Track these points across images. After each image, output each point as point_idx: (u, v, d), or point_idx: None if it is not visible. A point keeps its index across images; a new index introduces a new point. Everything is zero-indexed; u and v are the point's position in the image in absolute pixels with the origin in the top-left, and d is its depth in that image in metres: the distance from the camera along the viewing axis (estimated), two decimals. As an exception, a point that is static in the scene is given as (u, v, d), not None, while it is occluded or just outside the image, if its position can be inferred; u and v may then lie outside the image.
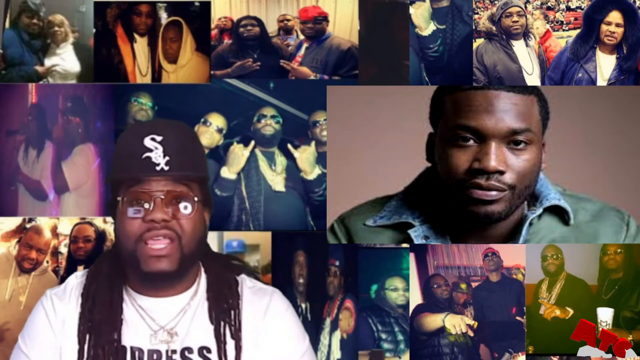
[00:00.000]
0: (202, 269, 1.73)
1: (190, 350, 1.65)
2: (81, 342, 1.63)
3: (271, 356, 1.68)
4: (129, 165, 1.58)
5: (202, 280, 1.71)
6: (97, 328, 1.63)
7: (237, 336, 1.66)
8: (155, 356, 1.64)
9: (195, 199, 1.60)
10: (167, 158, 1.56)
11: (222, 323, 1.66)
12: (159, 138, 1.57)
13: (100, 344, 1.61)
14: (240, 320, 1.68)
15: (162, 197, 1.56)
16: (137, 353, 1.63)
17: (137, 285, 1.67)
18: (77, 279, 1.72)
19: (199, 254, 1.67)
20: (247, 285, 1.74)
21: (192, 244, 1.60)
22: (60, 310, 1.67)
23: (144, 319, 1.65)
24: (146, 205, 1.56)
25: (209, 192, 1.68)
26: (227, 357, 1.64)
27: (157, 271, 1.57)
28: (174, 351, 1.64)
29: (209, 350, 1.65)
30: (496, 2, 2.76)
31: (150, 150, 1.57)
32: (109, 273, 1.68)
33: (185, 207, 1.59)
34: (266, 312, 1.70)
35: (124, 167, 1.59)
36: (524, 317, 2.62)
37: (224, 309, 1.67)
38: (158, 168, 1.57)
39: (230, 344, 1.65)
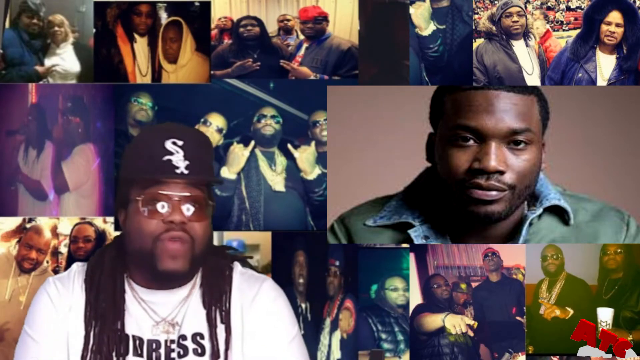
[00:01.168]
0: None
1: (184, 337, 1.69)
2: (87, 328, 1.67)
3: (258, 341, 1.71)
4: (148, 166, 1.62)
5: (200, 272, 1.75)
6: (102, 316, 1.67)
7: (226, 320, 1.70)
8: (154, 346, 1.68)
9: (209, 202, 1.67)
10: (187, 162, 1.62)
11: (213, 308, 1.71)
12: (180, 142, 1.63)
13: (105, 332, 1.66)
14: (229, 304, 1.72)
15: (179, 200, 1.62)
16: (137, 342, 1.68)
17: (140, 278, 1.71)
18: (79, 267, 1.76)
19: (207, 252, 1.72)
20: (239, 271, 1.78)
21: (203, 246, 1.66)
22: (64, 294, 1.71)
23: (146, 311, 1.70)
24: (160, 206, 1.61)
25: (213, 196, 1.73)
26: (218, 341, 1.68)
27: (172, 270, 1.62)
28: (172, 341, 1.68)
29: (202, 337, 1.70)
30: (496, 2, 2.76)
31: (172, 154, 1.61)
32: (112, 265, 1.72)
33: (198, 211, 1.64)
34: (254, 298, 1.74)
35: (142, 167, 1.64)
36: (524, 317, 2.62)
37: (216, 294, 1.72)
38: (178, 171, 1.62)
39: (220, 328, 1.70)
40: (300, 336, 1.78)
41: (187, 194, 1.62)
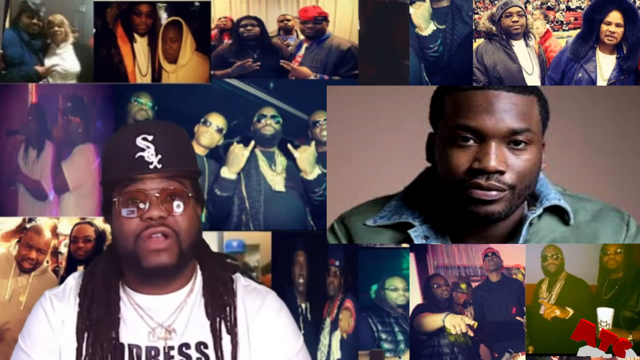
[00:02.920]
0: (198, 267, 1.76)
1: (187, 346, 1.68)
2: (79, 340, 1.66)
3: (264, 355, 1.71)
4: (122, 166, 1.61)
5: (198, 278, 1.75)
6: (96, 326, 1.66)
7: (232, 332, 1.69)
8: (153, 353, 1.66)
9: (190, 194, 1.64)
10: (159, 156, 1.60)
11: (217, 319, 1.70)
12: (150, 137, 1.61)
13: (99, 342, 1.64)
14: (235, 316, 1.71)
15: (157, 195, 1.60)
16: (135, 350, 1.66)
17: (135, 283, 1.70)
18: (75, 279, 1.75)
19: (196, 248, 1.71)
20: (242, 284, 1.77)
21: (189, 239, 1.64)
22: (59, 309, 1.69)
23: (141, 317, 1.68)
24: (141, 205, 1.60)
25: (200, 188, 1.72)
26: (223, 351, 1.67)
27: (158, 265, 1.61)
28: (171, 347, 1.67)
29: (205, 346, 1.68)
30: (496, 2, 2.76)
31: (143, 150, 1.60)
32: (105, 273, 1.72)
33: (180, 204, 1.62)
34: (259, 311, 1.73)
35: (117, 167, 1.63)
36: (524, 317, 2.62)
37: (220, 306, 1.71)
38: (151, 166, 1.60)
39: (226, 339, 1.68)
40: (304, 349, 1.78)
41: (165, 187, 1.60)
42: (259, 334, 1.72)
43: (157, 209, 1.59)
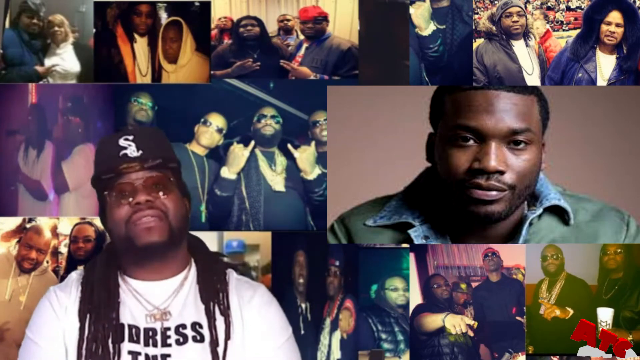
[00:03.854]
0: (192, 260, 1.87)
1: (184, 326, 1.78)
2: (82, 320, 1.76)
3: (252, 342, 1.79)
4: (108, 164, 1.76)
5: (192, 269, 1.85)
6: (97, 308, 1.76)
7: (226, 313, 1.80)
8: (150, 333, 1.76)
9: (171, 179, 1.77)
10: (140, 152, 1.75)
11: (211, 303, 1.80)
12: (130, 137, 1.77)
13: (100, 322, 1.75)
14: (228, 301, 1.82)
15: (142, 183, 1.74)
16: (134, 330, 1.76)
17: (132, 269, 1.81)
18: (77, 274, 1.86)
19: (186, 232, 1.83)
20: (235, 277, 1.88)
21: (177, 219, 1.76)
22: (62, 298, 1.80)
23: (139, 301, 1.78)
24: (130, 198, 1.73)
25: (183, 181, 1.85)
26: (217, 331, 1.77)
27: (150, 242, 1.73)
28: (167, 328, 1.76)
29: (200, 326, 1.78)
30: (496, 2, 2.76)
31: (125, 148, 1.76)
32: (105, 264, 1.83)
33: (164, 190, 1.75)
34: (251, 301, 1.83)
35: (104, 167, 1.78)
36: (524, 317, 2.63)
37: (213, 292, 1.82)
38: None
39: (220, 320, 1.79)
40: (292, 341, 1.86)
41: (149, 176, 1.74)
42: (250, 322, 1.80)
43: (144, 194, 1.73)
